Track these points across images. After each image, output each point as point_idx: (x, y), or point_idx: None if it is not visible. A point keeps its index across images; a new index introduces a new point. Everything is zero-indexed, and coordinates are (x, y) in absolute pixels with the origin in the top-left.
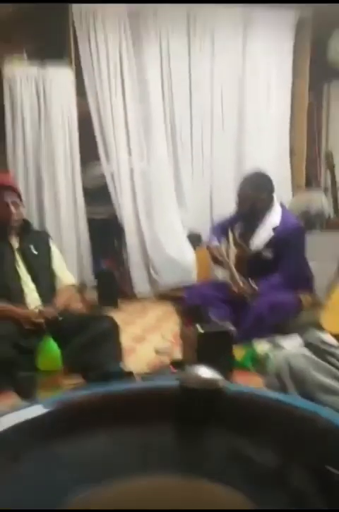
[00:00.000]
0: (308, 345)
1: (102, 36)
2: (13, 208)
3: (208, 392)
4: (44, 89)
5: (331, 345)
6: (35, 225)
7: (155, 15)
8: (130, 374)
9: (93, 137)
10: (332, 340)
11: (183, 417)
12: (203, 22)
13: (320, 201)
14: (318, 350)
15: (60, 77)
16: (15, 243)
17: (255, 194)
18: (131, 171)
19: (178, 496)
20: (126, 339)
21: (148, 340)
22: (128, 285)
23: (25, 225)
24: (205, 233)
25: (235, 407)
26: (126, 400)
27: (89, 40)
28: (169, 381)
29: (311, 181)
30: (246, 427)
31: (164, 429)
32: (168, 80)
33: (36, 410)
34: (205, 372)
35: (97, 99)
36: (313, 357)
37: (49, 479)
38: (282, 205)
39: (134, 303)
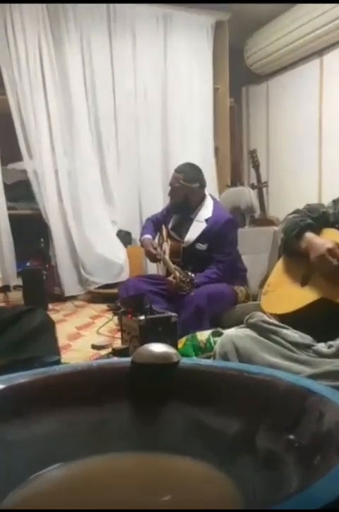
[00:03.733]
0: (251, 326)
1: (20, 24)
2: None
3: (163, 367)
4: None
5: (273, 324)
6: None
7: (74, 6)
8: None
9: (14, 133)
10: (273, 320)
11: (138, 394)
12: (123, 17)
13: (248, 196)
14: (262, 329)
15: None
16: None
17: (187, 184)
18: (55, 168)
19: (138, 471)
20: (59, 337)
21: (83, 337)
22: (57, 285)
23: None
24: (135, 230)
25: (193, 380)
26: (77, 380)
27: (6, 28)
28: (122, 359)
29: (235, 181)
30: (205, 398)
31: (119, 406)
32: (90, 75)
33: None
34: (158, 348)
35: (17, 93)
36: (258, 336)
37: None
38: (213, 198)
39: (64, 303)
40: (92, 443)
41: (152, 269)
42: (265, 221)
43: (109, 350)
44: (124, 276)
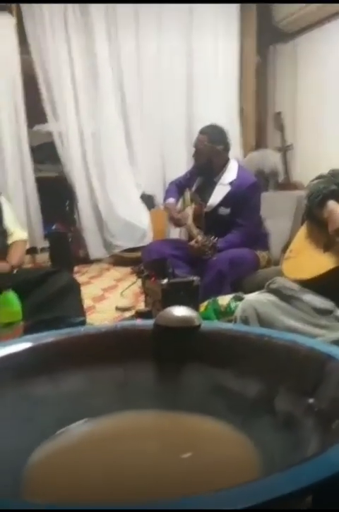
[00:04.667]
0: (272, 291)
1: None
2: None
3: (185, 330)
4: None
5: (295, 290)
6: None
7: None
8: None
9: (39, 94)
10: (294, 285)
11: (160, 356)
12: None
13: (273, 160)
14: (283, 295)
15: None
16: None
17: (211, 146)
18: (80, 130)
19: (160, 428)
20: (84, 299)
21: (107, 299)
22: (83, 248)
23: None
24: (159, 194)
25: (214, 343)
26: (102, 340)
27: None
28: (145, 322)
29: (260, 143)
30: (226, 361)
31: (142, 367)
32: (115, 36)
33: (8, 350)
34: (180, 311)
35: (42, 54)
36: (279, 301)
37: (26, 417)
38: (237, 161)
39: (89, 266)
40: (116, 400)
41: (175, 233)
42: (289, 185)
43: (133, 312)
44: (147, 240)
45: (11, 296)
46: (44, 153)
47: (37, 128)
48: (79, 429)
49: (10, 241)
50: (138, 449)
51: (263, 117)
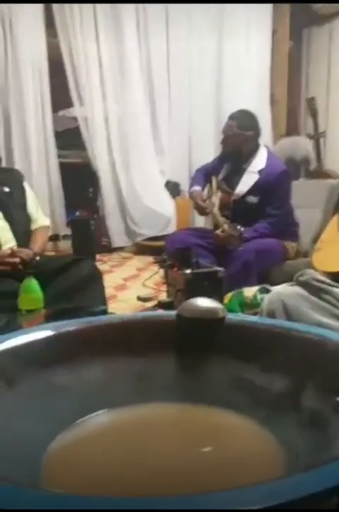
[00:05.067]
0: (301, 283)
1: None
2: None
3: (208, 321)
4: (10, 22)
5: (325, 283)
6: None
7: None
8: None
9: (65, 79)
10: (325, 278)
11: (183, 347)
12: None
13: (304, 147)
14: (312, 287)
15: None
16: None
17: (241, 132)
18: (106, 116)
19: (181, 421)
20: (106, 287)
21: (129, 288)
22: (105, 236)
23: None
24: (184, 181)
25: (239, 336)
26: (123, 330)
27: None
28: (168, 312)
29: (291, 130)
30: (251, 355)
31: (164, 358)
32: (144, 21)
33: (29, 337)
34: (204, 302)
35: (69, 38)
36: (308, 294)
37: (46, 406)
38: (267, 148)
39: (111, 255)
40: (136, 392)
41: (200, 221)
42: (321, 173)
43: (155, 302)
44: (171, 228)
45: (33, 283)
46: (69, 138)
47: (62, 112)
48: (98, 419)
49: (33, 227)
50: (158, 442)
51: (295, 102)
